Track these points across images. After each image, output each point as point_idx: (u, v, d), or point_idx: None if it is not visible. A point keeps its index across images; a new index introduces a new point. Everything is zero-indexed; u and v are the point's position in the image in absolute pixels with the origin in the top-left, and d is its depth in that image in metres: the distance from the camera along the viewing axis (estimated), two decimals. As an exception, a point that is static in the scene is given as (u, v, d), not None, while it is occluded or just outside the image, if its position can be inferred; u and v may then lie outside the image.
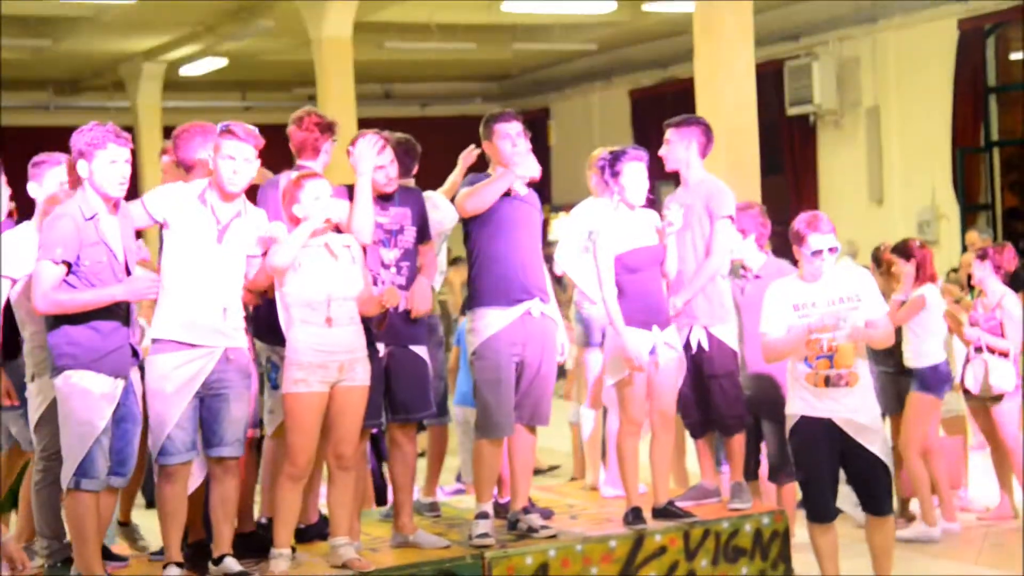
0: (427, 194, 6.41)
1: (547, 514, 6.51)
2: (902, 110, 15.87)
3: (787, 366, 6.36)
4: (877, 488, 6.32)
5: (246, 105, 21.63)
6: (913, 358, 8.09)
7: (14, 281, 5.49)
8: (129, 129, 6.59)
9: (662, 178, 6.94)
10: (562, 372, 8.93)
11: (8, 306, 5.55)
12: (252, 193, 5.81)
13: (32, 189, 5.75)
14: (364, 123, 6.35)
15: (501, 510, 6.46)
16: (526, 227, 6.17)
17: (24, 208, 5.96)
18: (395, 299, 5.78)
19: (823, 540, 6.37)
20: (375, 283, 5.87)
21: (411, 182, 6.43)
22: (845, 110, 16.52)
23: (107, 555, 5.70)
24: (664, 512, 6.42)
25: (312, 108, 6.36)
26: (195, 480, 5.65)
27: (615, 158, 6.39)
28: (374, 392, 5.79)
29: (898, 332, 7.64)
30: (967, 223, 14.91)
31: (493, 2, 15.78)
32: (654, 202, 6.54)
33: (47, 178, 5.69)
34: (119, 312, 5.29)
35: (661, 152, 6.82)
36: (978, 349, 8.19)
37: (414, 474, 6.24)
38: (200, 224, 5.47)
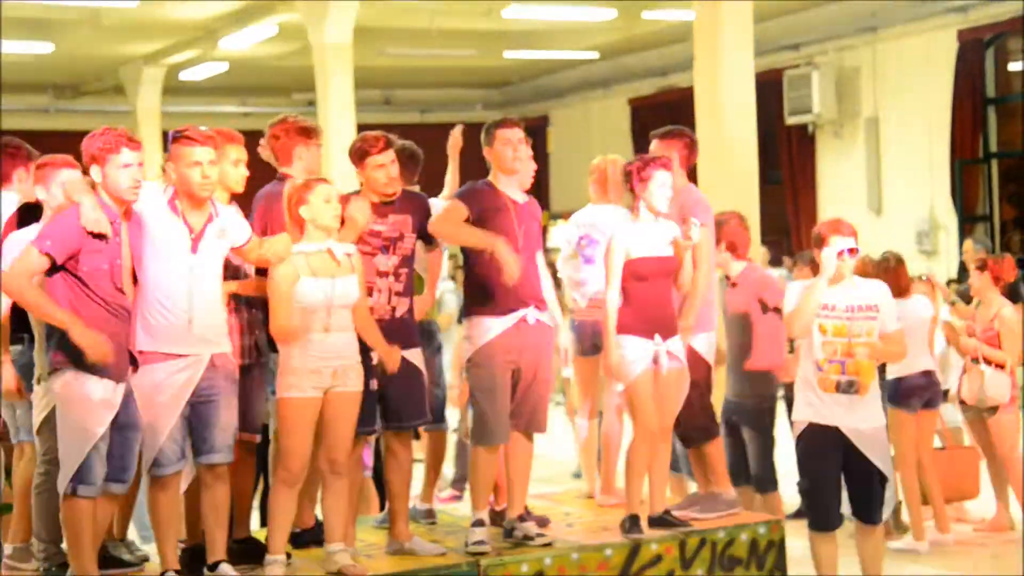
0: (430, 201, 6.41)
1: (543, 522, 6.51)
2: (901, 120, 15.89)
3: (797, 372, 6.42)
4: (870, 497, 6.37)
5: (245, 110, 21.62)
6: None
7: None
8: (128, 133, 6.56)
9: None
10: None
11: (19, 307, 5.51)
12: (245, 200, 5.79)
13: (39, 192, 5.70)
14: (363, 129, 6.34)
15: (497, 517, 6.46)
16: (523, 236, 6.15)
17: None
18: (395, 365, 5.80)
19: (824, 548, 6.39)
20: (370, 293, 5.88)
21: (415, 189, 6.44)
22: (844, 120, 16.54)
23: (112, 562, 5.68)
24: (660, 521, 6.42)
25: (287, 114, 6.30)
26: (184, 481, 5.62)
27: (644, 164, 6.40)
28: (367, 399, 5.79)
29: None
30: (965, 234, 14.92)
31: (493, 9, 15.81)
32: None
33: (55, 184, 5.65)
34: (121, 314, 5.23)
35: None
36: (975, 360, 8.20)
37: (410, 481, 6.24)
38: (173, 235, 5.38)
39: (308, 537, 6.12)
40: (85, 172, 5.32)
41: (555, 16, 16.44)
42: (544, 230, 6.43)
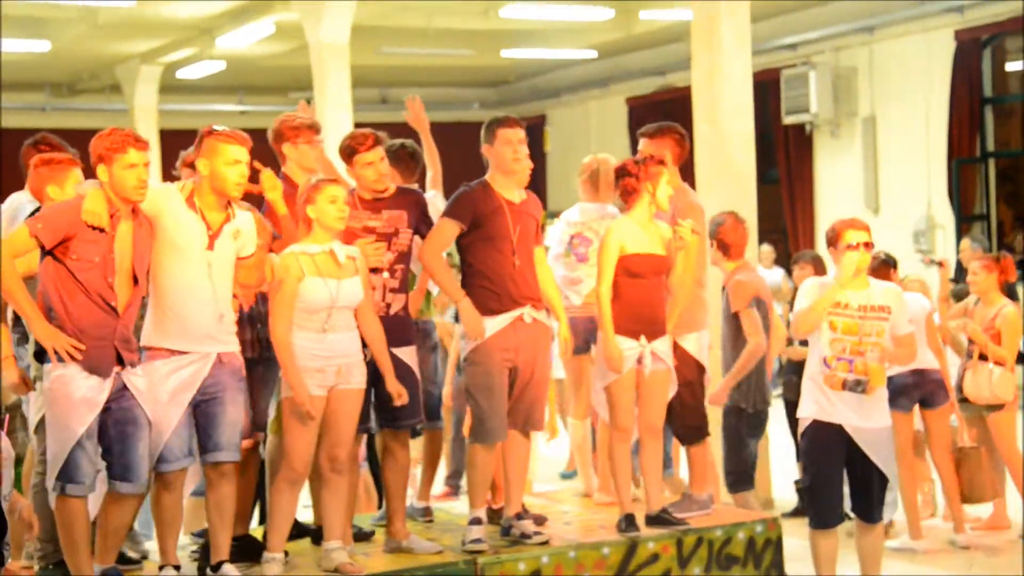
0: (427, 195, 6.42)
1: (540, 520, 6.51)
2: (898, 120, 15.89)
3: (805, 369, 6.41)
4: (870, 496, 6.37)
5: (242, 109, 21.61)
6: None
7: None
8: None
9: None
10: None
11: None
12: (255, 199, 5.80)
13: (52, 192, 5.70)
14: (361, 127, 6.34)
15: (495, 516, 6.46)
16: (520, 235, 6.15)
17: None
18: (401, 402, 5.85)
19: (824, 545, 6.41)
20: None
21: (414, 187, 6.44)
22: (841, 119, 16.53)
23: (122, 559, 5.64)
24: (657, 519, 6.42)
25: (283, 114, 6.30)
26: (190, 481, 5.61)
27: (647, 163, 6.42)
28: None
29: None
30: (962, 233, 14.92)
31: (491, 8, 15.80)
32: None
33: (69, 184, 5.66)
34: (108, 309, 5.19)
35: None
36: (982, 357, 8.18)
37: (407, 480, 6.24)
38: (190, 231, 5.39)
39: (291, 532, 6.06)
40: (90, 171, 5.32)
41: (552, 15, 16.43)
42: (542, 229, 6.41)
